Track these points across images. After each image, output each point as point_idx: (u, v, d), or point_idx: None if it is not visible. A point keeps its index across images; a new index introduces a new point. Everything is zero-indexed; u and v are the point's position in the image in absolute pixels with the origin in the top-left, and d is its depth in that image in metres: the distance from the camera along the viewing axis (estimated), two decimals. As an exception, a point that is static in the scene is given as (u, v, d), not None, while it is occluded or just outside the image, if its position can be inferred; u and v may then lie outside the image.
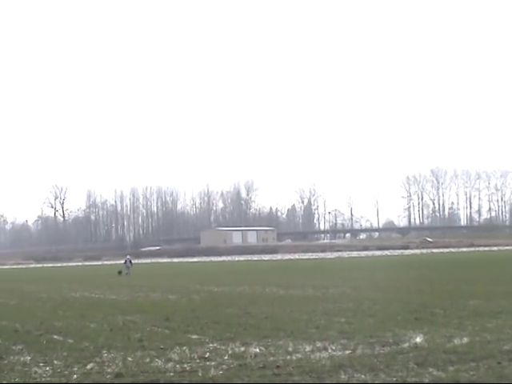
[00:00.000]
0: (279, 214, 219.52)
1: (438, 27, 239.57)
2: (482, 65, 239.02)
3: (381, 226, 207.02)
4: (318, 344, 12.77)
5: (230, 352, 12.27)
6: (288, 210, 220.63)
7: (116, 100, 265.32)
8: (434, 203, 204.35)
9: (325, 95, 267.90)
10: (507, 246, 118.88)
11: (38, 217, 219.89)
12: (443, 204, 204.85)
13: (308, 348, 12.41)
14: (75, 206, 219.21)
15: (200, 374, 10.37)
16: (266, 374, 10.25)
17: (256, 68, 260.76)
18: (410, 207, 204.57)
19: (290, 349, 12.39)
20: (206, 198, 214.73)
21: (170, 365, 11.22)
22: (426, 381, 9.44)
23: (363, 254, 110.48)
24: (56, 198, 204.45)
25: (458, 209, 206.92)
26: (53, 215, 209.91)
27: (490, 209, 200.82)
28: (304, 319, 16.73)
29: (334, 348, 12.34)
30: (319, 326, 15.42)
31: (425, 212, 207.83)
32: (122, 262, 62.50)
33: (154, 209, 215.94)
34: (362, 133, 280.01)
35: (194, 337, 14.38)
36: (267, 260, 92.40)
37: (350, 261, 74.26)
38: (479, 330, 14.00)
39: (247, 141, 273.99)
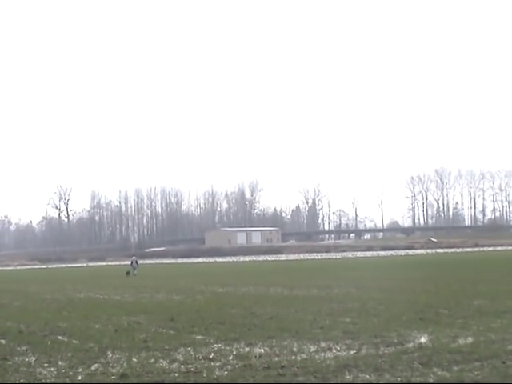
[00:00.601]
0: (283, 214, 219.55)
1: (440, 27, 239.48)
2: (487, 65, 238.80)
3: (385, 226, 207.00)
4: (323, 344, 12.76)
5: (234, 352, 12.27)
6: (292, 210, 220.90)
7: (120, 101, 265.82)
8: (438, 203, 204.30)
9: (329, 96, 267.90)
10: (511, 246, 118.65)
11: (43, 218, 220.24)
12: (447, 204, 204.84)
13: (313, 348, 12.40)
14: (79, 207, 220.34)
15: (205, 375, 10.37)
16: (270, 374, 10.25)
17: (261, 68, 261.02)
18: (414, 207, 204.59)
19: (295, 349, 12.38)
20: (210, 199, 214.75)
21: (174, 365, 11.22)
22: (431, 381, 9.42)
23: (368, 254, 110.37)
24: (60, 198, 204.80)
25: (463, 209, 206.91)
26: (57, 216, 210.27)
27: (494, 209, 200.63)
28: (309, 319, 16.71)
29: (338, 348, 12.33)
30: (324, 326, 15.41)
31: (429, 212, 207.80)
32: (128, 262, 62.75)
33: (159, 209, 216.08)
34: (366, 133, 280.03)
35: (199, 337, 14.38)
36: (272, 260, 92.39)
37: (354, 261, 74.20)
38: (484, 329, 13.97)
39: (251, 141, 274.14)
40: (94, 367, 11.29)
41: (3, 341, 15.16)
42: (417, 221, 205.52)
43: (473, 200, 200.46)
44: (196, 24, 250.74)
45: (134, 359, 11.89)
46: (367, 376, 9.84)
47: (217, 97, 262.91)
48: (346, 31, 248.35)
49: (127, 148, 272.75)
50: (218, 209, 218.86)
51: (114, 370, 10.96)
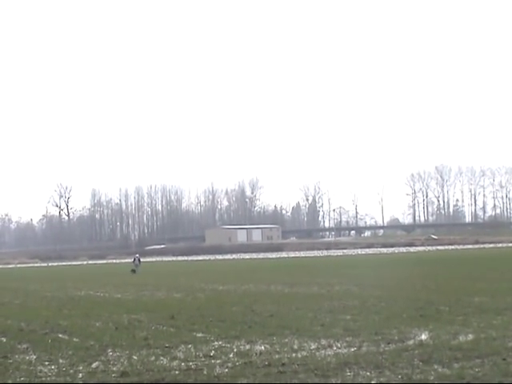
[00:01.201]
0: (284, 211, 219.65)
1: (440, 25, 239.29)
2: (487, 62, 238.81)
3: (385, 223, 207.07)
4: (323, 342, 12.76)
5: (235, 350, 12.27)
6: (293, 207, 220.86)
7: (120, 99, 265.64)
8: (438, 200, 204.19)
9: (328, 93, 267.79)
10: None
11: (43, 216, 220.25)
12: (448, 201, 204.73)
13: (313, 346, 12.40)
14: (80, 205, 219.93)
15: (205, 372, 10.37)
16: (271, 371, 10.24)
17: (260, 67, 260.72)
18: (414, 204, 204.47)
19: (295, 346, 12.38)
20: (210, 197, 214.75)
21: (175, 363, 11.22)
22: (432, 378, 9.42)
23: (368, 251, 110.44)
24: (61, 196, 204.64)
25: (463, 206, 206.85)
26: (58, 214, 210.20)
27: (494, 206, 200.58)
28: (309, 317, 16.72)
29: (339, 345, 12.33)
30: (324, 323, 15.42)
31: (429, 209, 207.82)
32: (129, 260, 62.68)
33: (159, 207, 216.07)
34: (367, 130, 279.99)
35: (199, 335, 14.38)
36: (272, 258, 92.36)
37: (354, 258, 74.22)
38: (484, 326, 13.97)
39: (251, 139, 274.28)
40: (94, 365, 11.29)
41: (4, 339, 15.17)
42: (417, 218, 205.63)
43: (473, 197, 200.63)
44: (196, 24, 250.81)
45: (135, 357, 11.90)
46: (368, 373, 9.84)
47: (216, 95, 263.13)
48: (345, 30, 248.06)
49: (127, 146, 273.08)
50: (219, 206, 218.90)
51: (114, 368, 10.96)
